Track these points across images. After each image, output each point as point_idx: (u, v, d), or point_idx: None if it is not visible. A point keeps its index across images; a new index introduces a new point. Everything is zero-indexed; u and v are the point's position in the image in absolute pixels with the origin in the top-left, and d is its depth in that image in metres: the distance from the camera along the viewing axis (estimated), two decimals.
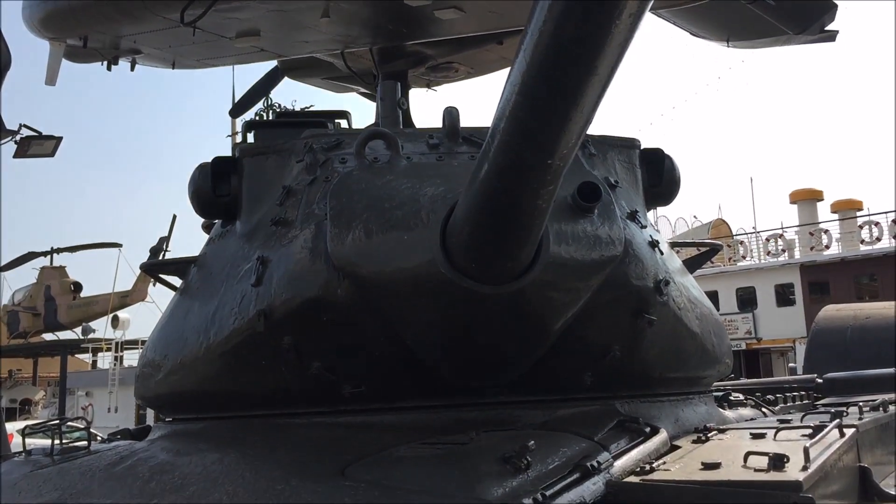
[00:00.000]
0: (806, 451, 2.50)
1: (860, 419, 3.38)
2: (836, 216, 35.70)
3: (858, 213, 35.09)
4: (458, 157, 3.36)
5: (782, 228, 35.95)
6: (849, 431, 2.98)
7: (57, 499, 2.90)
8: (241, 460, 2.91)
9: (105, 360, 35.02)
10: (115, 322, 32.96)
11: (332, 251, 2.96)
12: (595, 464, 2.66)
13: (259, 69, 7.46)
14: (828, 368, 6.14)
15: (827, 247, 34.50)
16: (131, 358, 32.56)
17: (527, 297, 2.86)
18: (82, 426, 4.03)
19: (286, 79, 7.41)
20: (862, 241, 33.43)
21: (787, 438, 2.87)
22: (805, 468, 2.43)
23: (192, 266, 3.85)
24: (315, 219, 3.15)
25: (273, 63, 7.16)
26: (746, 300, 34.58)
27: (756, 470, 2.48)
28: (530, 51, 1.80)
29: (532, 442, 2.59)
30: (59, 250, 35.73)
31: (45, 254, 35.58)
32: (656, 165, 3.92)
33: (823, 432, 2.80)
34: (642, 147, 3.91)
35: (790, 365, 29.25)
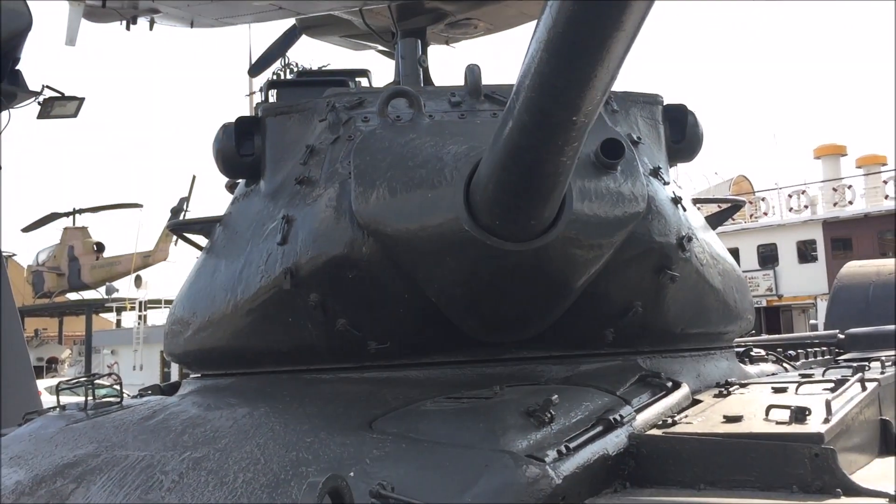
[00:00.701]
0: (828, 403, 2.53)
1: (882, 373, 3.39)
2: (860, 171, 35.24)
3: (883, 168, 34.61)
4: (480, 115, 3.36)
5: (805, 184, 35.56)
6: (870, 385, 3.00)
7: (93, 451, 2.99)
8: (271, 414, 2.97)
9: (129, 319, 35.54)
10: (138, 282, 33.37)
11: (356, 209, 2.99)
12: (618, 417, 2.70)
13: (276, 28, 7.44)
14: (850, 325, 6.13)
15: (851, 202, 34.11)
16: (154, 317, 33.01)
17: (550, 254, 2.88)
18: (108, 383, 4.12)
19: (303, 38, 7.38)
20: (886, 197, 33.02)
21: (809, 392, 2.89)
22: (827, 420, 2.45)
23: (217, 225, 3.89)
24: (339, 177, 3.18)
25: (291, 21, 7.13)
26: (768, 257, 34.37)
27: (778, 423, 2.52)
28: (556, 6, 1.80)
29: (555, 396, 2.63)
30: (81, 211, 36.10)
31: (67, 214, 35.96)
32: (679, 122, 3.89)
33: (845, 386, 2.82)
34: (665, 103, 3.89)
35: (811, 322, 29.15)
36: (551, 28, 1.85)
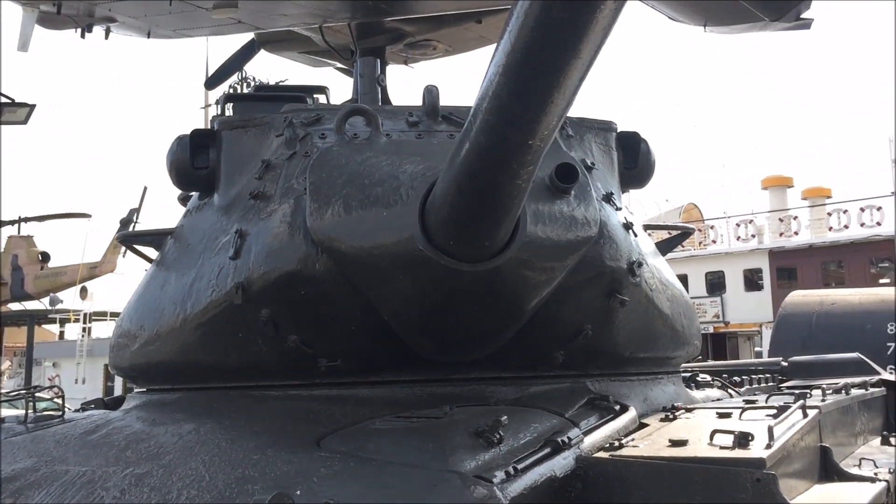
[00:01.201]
0: (770, 430, 2.58)
1: (823, 401, 3.47)
2: (805, 203, 36.15)
3: (827, 201, 35.55)
4: (437, 136, 3.38)
5: (753, 214, 36.35)
6: (812, 412, 3.07)
7: (31, 465, 2.91)
8: (218, 430, 2.93)
9: (73, 332, 34.69)
10: (84, 293, 32.63)
11: (311, 226, 2.98)
12: (566, 439, 2.72)
13: (234, 41, 7.40)
14: (793, 353, 6.28)
15: (796, 233, 34.93)
16: (99, 329, 32.28)
17: (503, 276, 2.90)
18: (49, 397, 4.02)
19: (262, 52, 7.35)
20: (830, 229, 33.89)
21: (752, 418, 2.95)
22: (769, 446, 2.50)
23: (168, 238, 3.84)
24: (294, 193, 3.17)
25: (249, 35, 7.10)
26: (715, 284, 34.95)
27: (721, 447, 2.56)
28: (515, 32, 1.83)
29: (505, 417, 2.64)
30: (27, 219, 35.21)
31: (12, 222, 35.04)
32: (632, 149, 3.97)
33: (787, 412, 2.88)
34: (619, 130, 3.96)
35: (756, 349, 29.71)
36: (510, 53, 1.88)
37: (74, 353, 31.22)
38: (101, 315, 32.16)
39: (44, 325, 37.40)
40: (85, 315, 32.03)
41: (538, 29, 1.79)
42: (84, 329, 31.65)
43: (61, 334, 37.21)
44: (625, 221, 3.48)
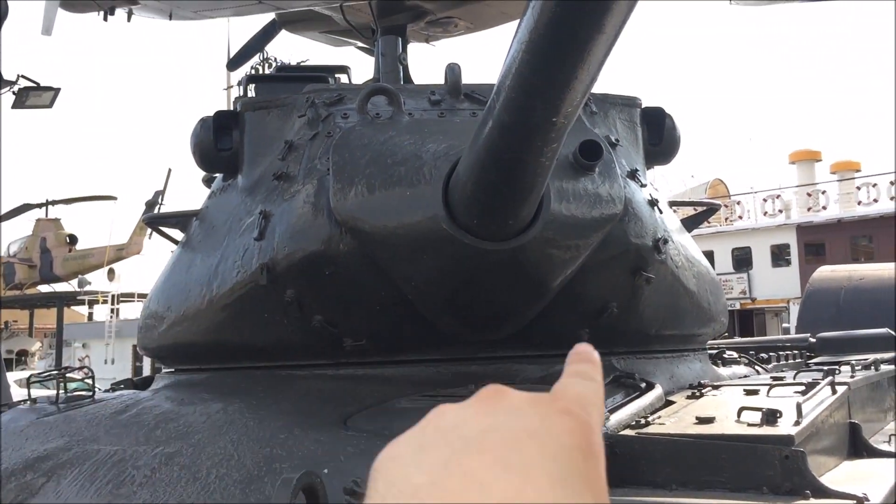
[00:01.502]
0: (798, 406, 2.56)
1: (852, 377, 3.43)
2: (834, 177, 35.68)
3: (856, 175, 35.06)
4: (459, 114, 3.36)
5: (780, 188, 35.95)
6: (840, 389, 3.04)
7: (63, 445, 2.96)
8: (245, 410, 2.96)
9: (101, 313, 35.19)
10: (111, 275, 33.05)
11: (334, 206, 2.99)
12: None
13: (255, 22, 7.40)
14: (821, 329, 6.21)
15: (824, 207, 34.52)
16: (127, 310, 32.70)
17: (527, 254, 2.89)
18: (80, 377, 4.08)
19: (283, 33, 7.35)
20: (859, 203, 33.45)
21: (780, 395, 2.92)
22: (797, 423, 2.48)
23: (193, 219, 3.87)
24: (317, 174, 3.17)
25: (270, 16, 7.10)
26: (742, 260, 34.69)
27: (749, 424, 2.54)
28: (538, 8, 1.81)
29: None
30: (54, 202, 35.65)
31: (40, 206, 35.48)
32: (657, 124, 3.92)
33: (816, 389, 2.86)
34: (643, 106, 3.92)
35: (784, 325, 29.47)
36: (532, 30, 1.86)
37: (103, 334, 31.72)
38: (128, 296, 32.61)
39: (73, 307, 37.97)
40: (113, 296, 32.51)
41: (561, 4, 1.77)
42: (112, 310, 32.13)
43: (90, 316, 37.76)
44: (650, 198, 3.45)
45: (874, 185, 33.30)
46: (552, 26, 1.83)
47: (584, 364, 0.64)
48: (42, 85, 8.47)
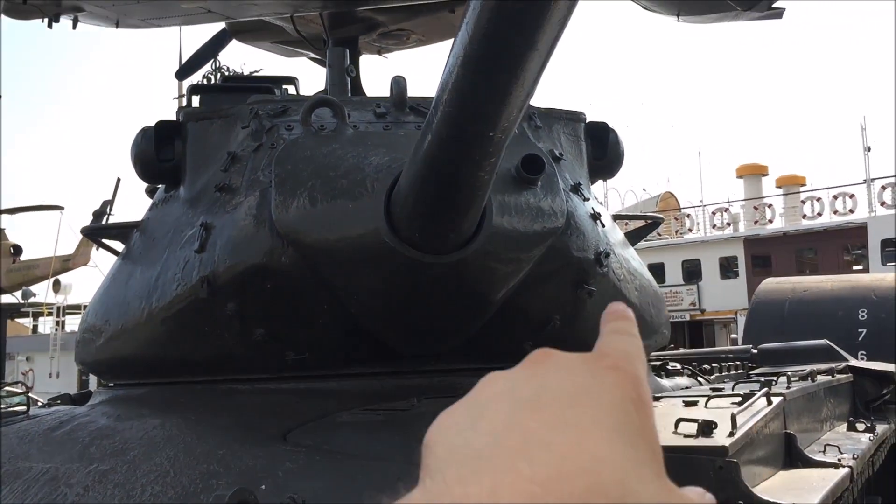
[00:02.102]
0: (733, 417, 2.60)
1: (788, 388, 3.50)
2: (780, 191, 36.47)
3: (801, 189, 35.90)
4: (404, 127, 3.37)
5: (728, 202, 36.64)
6: (776, 399, 3.10)
7: None
8: (183, 425, 2.91)
9: (46, 325, 34.36)
10: (57, 286, 32.30)
11: (276, 218, 2.96)
12: None
13: (207, 30, 7.34)
14: (766, 340, 6.34)
15: (770, 221, 35.26)
16: (73, 323, 31.96)
17: (469, 267, 2.90)
18: (21, 391, 3.98)
19: (238, 41, 7.29)
20: (804, 216, 34.24)
21: (718, 406, 2.96)
22: (731, 434, 2.52)
23: (134, 231, 3.81)
24: (260, 185, 3.14)
25: (221, 25, 7.04)
26: (692, 272, 35.23)
27: (686, 436, 2.57)
28: (472, 24, 1.82)
29: None
30: None
31: None
32: (601, 139, 3.97)
33: (751, 400, 2.90)
34: (588, 120, 3.96)
35: (732, 336, 30.00)
36: (467, 45, 1.88)
37: (48, 347, 30.94)
38: (74, 308, 31.88)
39: (17, 319, 37.00)
40: (58, 308, 31.75)
41: (493, 21, 1.78)
42: (57, 323, 31.38)
43: (34, 328, 36.86)
44: (592, 212, 3.49)
45: (818, 199, 34.14)
46: (485, 42, 1.84)
47: (620, 321, 0.66)
48: None
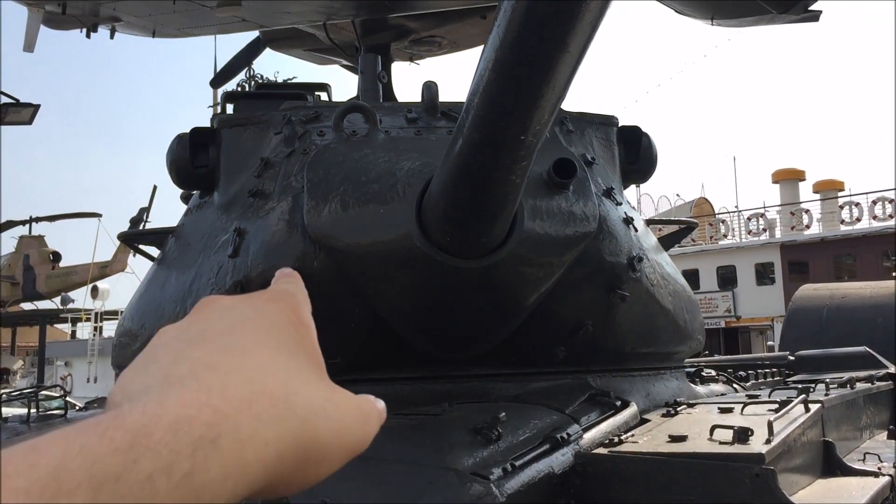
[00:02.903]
0: (770, 424, 2.56)
1: (826, 395, 3.45)
2: (817, 196, 35.97)
3: (840, 194, 35.36)
4: (435, 132, 3.37)
5: (764, 208, 36.21)
6: (814, 407, 3.05)
7: None
8: None
9: (84, 331, 34.90)
10: (95, 292, 32.80)
11: (308, 223, 2.98)
12: (565, 436, 2.70)
13: (241, 39, 7.42)
14: (803, 347, 6.24)
15: (808, 226, 34.78)
16: (111, 328, 32.41)
17: (501, 272, 2.89)
18: (58, 394, 4.04)
19: (272, 49, 7.37)
20: (842, 222, 33.72)
21: (754, 413, 2.93)
22: (768, 441, 2.48)
23: (169, 236, 3.85)
24: (292, 191, 3.16)
25: (255, 33, 7.11)
26: (727, 279, 34.85)
27: (721, 443, 2.54)
28: (503, 27, 1.82)
29: (503, 413, 2.63)
30: (38, 219, 35.40)
31: (23, 223, 35.24)
32: (634, 143, 3.95)
33: (788, 407, 2.86)
34: (620, 125, 3.94)
35: (769, 343, 29.59)
36: (498, 48, 1.87)
37: (86, 352, 31.44)
38: (112, 314, 32.33)
39: (56, 325, 37.66)
40: (96, 314, 32.23)
41: (525, 24, 1.78)
42: (95, 328, 31.86)
43: (73, 333, 37.48)
44: (625, 216, 3.46)
45: (857, 205, 33.60)
46: (516, 46, 1.84)
47: (284, 278, 0.76)
48: (21, 101, 8.44)
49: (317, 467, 0.60)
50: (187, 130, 3.71)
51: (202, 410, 0.51)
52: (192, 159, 3.62)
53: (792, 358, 5.73)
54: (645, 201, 36.43)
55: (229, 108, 5.34)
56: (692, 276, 32.99)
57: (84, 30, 6.85)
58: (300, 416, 0.57)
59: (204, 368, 0.55)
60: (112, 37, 7.08)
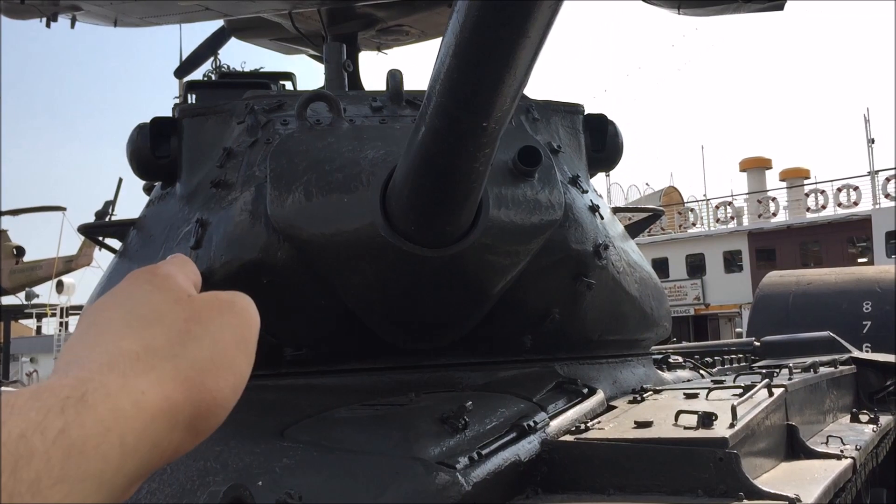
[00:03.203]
0: (733, 409, 2.58)
1: (790, 379, 3.49)
2: (783, 184, 36.42)
3: (805, 182, 35.84)
4: (400, 121, 3.34)
5: (732, 196, 36.59)
6: (777, 391, 3.08)
7: None
8: None
9: (50, 326, 34.41)
10: (60, 287, 32.32)
11: (271, 213, 2.94)
12: (531, 423, 2.70)
13: (208, 28, 7.33)
14: (770, 333, 6.32)
15: (774, 214, 35.21)
16: (76, 323, 31.95)
17: (466, 261, 2.87)
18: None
19: (237, 39, 7.29)
20: (808, 209, 34.18)
21: (719, 398, 2.95)
22: (732, 426, 2.50)
23: (131, 228, 3.79)
24: (255, 181, 3.12)
25: (220, 22, 7.02)
26: (696, 266, 35.22)
27: (686, 428, 2.56)
28: (463, 12, 1.80)
29: (469, 402, 2.62)
30: (0, 213, 34.78)
31: None
32: (600, 131, 3.95)
33: (752, 392, 2.89)
34: (586, 113, 3.94)
35: (737, 330, 29.97)
36: (458, 34, 1.85)
37: (52, 347, 31.00)
38: (78, 309, 31.86)
39: (20, 321, 37.07)
40: (62, 309, 31.79)
41: (483, 9, 1.76)
42: (61, 324, 31.42)
43: (38, 329, 36.94)
44: (591, 204, 3.46)
45: (822, 192, 34.08)
46: (475, 31, 1.82)
47: (172, 260, 0.80)
48: None
49: (220, 381, 0.66)
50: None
51: (63, 381, 0.57)
52: (154, 150, 3.56)
53: (757, 344, 5.80)
54: (615, 190, 36.66)
55: (192, 99, 5.28)
56: (661, 265, 33.27)
57: (44, 19, 6.72)
58: (167, 358, 0.63)
59: (74, 357, 0.62)
60: (73, 26, 6.95)
